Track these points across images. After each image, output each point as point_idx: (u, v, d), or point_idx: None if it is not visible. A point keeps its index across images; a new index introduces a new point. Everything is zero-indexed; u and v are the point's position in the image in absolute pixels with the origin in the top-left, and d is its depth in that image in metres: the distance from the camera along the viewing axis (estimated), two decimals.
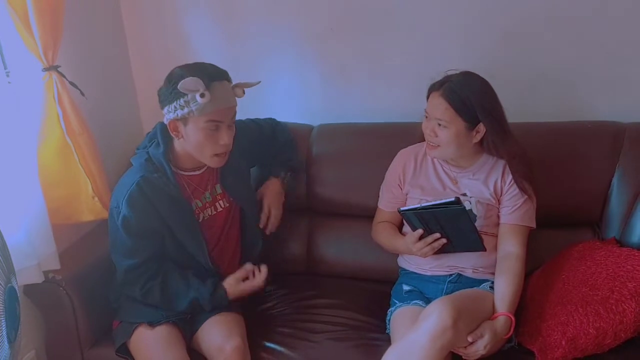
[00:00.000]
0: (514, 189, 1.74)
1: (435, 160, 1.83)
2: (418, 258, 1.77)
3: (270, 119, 2.09)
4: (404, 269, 1.90)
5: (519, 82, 2.06)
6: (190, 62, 1.69)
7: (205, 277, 1.75)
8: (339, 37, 2.20)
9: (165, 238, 1.71)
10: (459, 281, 1.77)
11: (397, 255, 1.94)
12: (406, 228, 1.83)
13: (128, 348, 1.74)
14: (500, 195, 1.77)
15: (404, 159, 1.89)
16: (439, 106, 1.67)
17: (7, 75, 1.76)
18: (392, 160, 1.92)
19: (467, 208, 1.70)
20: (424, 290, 1.80)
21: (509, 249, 1.72)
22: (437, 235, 1.66)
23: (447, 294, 1.71)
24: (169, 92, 1.61)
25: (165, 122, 1.67)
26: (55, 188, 1.84)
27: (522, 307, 1.70)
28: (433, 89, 1.71)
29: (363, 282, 2.05)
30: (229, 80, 1.67)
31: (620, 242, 1.82)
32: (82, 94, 1.90)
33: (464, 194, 1.77)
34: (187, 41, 2.31)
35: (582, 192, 1.92)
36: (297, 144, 2.10)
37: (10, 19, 1.67)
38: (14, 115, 1.72)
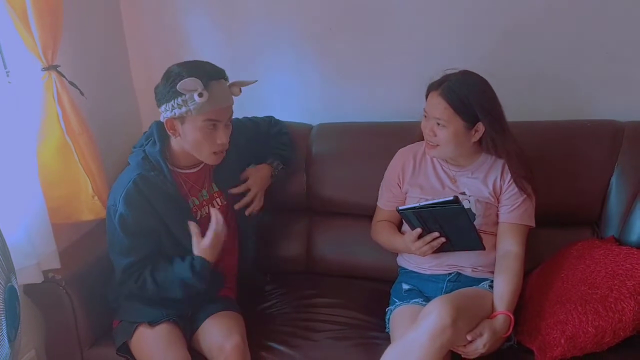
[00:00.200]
0: (513, 188, 1.75)
1: (434, 159, 1.84)
2: (417, 257, 1.78)
3: (268, 117, 2.10)
4: (403, 268, 1.91)
5: (518, 81, 2.07)
6: None
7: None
8: (339, 36, 2.20)
9: (162, 236, 1.71)
10: (458, 280, 1.77)
11: (397, 254, 1.94)
12: (405, 227, 1.84)
13: (129, 347, 1.74)
14: (500, 194, 1.77)
15: (403, 158, 1.89)
16: (438, 105, 1.67)
17: (7, 75, 1.76)
18: (391, 160, 1.92)
19: (466, 207, 1.70)
20: (424, 289, 1.80)
21: (508, 248, 1.72)
22: (436, 234, 1.67)
23: (446, 293, 1.71)
24: (167, 90, 1.61)
25: (162, 120, 1.67)
26: (55, 187, 1.84)
27: (521, 306, 1.70)
28: (432, 88, 1.71)
29: (362, 281, 2.06)
30: (226, 78, 1.68)
31: (619, 241, 1.83)
32: (82, 93, 1.90)
33: (463, 193, 1.78)
34: (187, 41, 2.31)
35: (581, 191, 1.92)
36: (296, 143, 2.10)
37: (10, 19, 1.67)
38: (14, 114, 1.72)
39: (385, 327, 1.79)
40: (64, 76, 1.81)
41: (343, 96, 2.28)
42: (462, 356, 1.58)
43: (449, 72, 1.71)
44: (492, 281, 1.71)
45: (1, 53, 1.78)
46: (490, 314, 1.61)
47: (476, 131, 1.69)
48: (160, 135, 1.73)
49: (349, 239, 2.11)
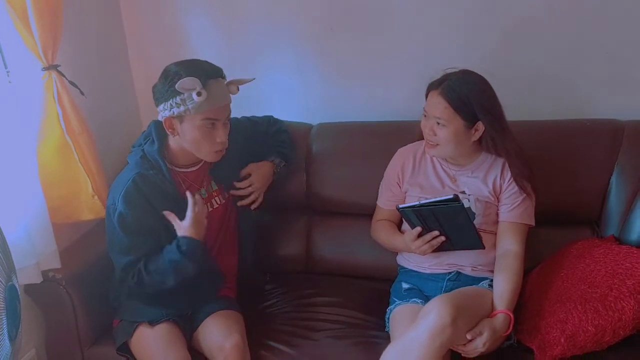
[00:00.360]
0: (513, 187, 1.75)
1: (434, 158, 1.84)
2: (417, 256, 1.78)
3: (267, 116, 2.10)
4: (403, 267, 1.91)
5: (518, 80, 2.07)
6: None
7: (205, 275, 1.76)
8: (339, 36, 2.20)
9: (161, 235, 1.70)
10: (458, 279, 1.77)
11: (396, 253, 1.94)
12: (405, 226, 1.84)
13: (129, 347, 1.74)
14: (499, 193, 1.77)
15: (402, 158, 1.89)
16: (438, 105, 1.68)
17: (8, 75, 1.76)
18: (390, 159, 1.92)
19: (466, 206, 1.70)
20: (423, 288, 1.81)
21: (508, 247, 1.72)
22: (436, 233, 1.67)
23: (446, 292, 1.71)
24: (165, 89, 1.61)
25: (161, 119, 1.67)
26: (55, 187, 1.84)
27: (521, 305, 1.70)
28: (432, 87, 1.72)
29: (362, 280, 2.06)
30: (224, 77, 1.68)
31: (619, 240, 1.83)
32: (82, 93, 1.91)
33: (463, 192, 1.78)
34: (187, 40, 2.31)
35: (581, 190, 1.93)
36: (295, 142, 2.10)
37: (10, 19, 1.67)
38: (14, 114, 1.72)
39: (385, 326, 1.79)
40: (64, 76, 1.81)
41: (343, 96, 2.28)
42: (462, 355, 1.58)
43: (448, 71, 1.71)
44: (491, 280, 1.71)
45: (1, 53, 1.78)
46: (490, 312, 1.61)
47: (476, 130, 1.69)
48: (158, 134, 1.73)
49: (348, 238, 2.11)
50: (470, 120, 1.67)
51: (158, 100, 1.65)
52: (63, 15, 1.77)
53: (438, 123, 1.69)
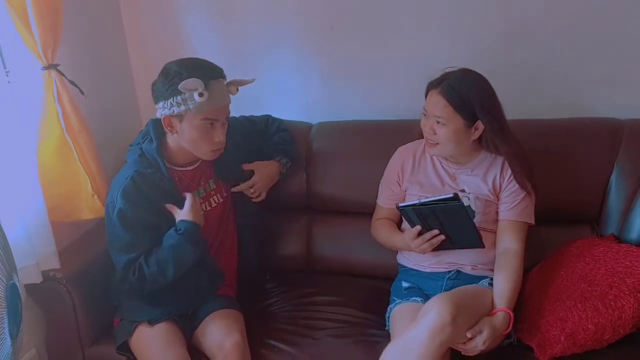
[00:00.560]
0: (513, 185, 1.75)
1: (433, 156, 1.84)
2: (417, 255, 1.78)
3: (265, 115, 2.10)
4: (403, 266, 1.91)
5: (518, 79, 2.07)
6: None
7: (204, 273, 1.76)
8: (339, 35, 2.20)
9: (161, 232, 1.70)
10: (458, 278, 1.78)
11: (396, 252, 1.94)
12: (405, 225, 1.84)
13: (129, 346, 1.74)
14: (499, 192, 1.77)
15: (402, 156, 1.89)
16: (438, 104, 1.68)
17: (7, 75, 1.76)
18: (390, 158, 1.92)
19: (466, 204, 1.70)
20: (423, 287, 1.81)
21: (508, 245, 1.72)
22: (436, 231, 1.67)
23: (446, 291, 1.71)
24: (165, 88, 1.61)
25: (159, 116, 1.67)
26: (55, 186, 1.84)
27: (521, 303, 1.70)
28: (431, 86, 1.72)
29: (362, 279, 2.06)
30: (224, 77, 1.68)
31: (618, 239, 1.83)
32: (82, 92, 1.91)
33: (463, 190, 1.78)
34: (187, 40, 2.32)
35: (580, 189, 1.93)
36: (296, 141, 2.10)
37: (10, 18, 1.67)
38: (14, 113, 1.72)
39: (385, 325, 1.79)
40: (64, 75, 1.82)
41: (343, 95, 2.28)
42: (462, 353, 1.58)
43: (448, 70, 1.71)
44: (491, 279, 1.71)
45: (1, 53, 1.78)
46: (490, 311, 1.61)
47: (476, 129, 1.69)
48: (156, 133, 1.73)
49: (349, 237, 2.11)
50: (470, 119, 1.67)
51: (157, 98, 1.65)
52: (63, 15, 1.78)
53: (438, 122, 1.69)
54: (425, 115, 1.74)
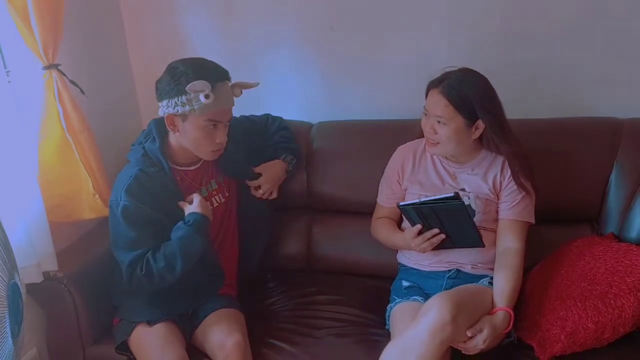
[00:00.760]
0: (513, 184, 1.75)
1: (434, 155, 1.84)
2: (417, 254, 1.78)
3: (265, 114, 2.11)
4: (403, 265, 1.91)
5: (518, 79, 2.07)
6: None
7: (204, 273, 1.76)
8: (339, 35, 2.21)
9: (166, 229, 1.69)
10: (458, 277, 1.78)
11: (397, 251, 1.95)
12: (405, 224, 1.84)
13: (129, 346, 1.75)
14: (500, 191, 1.78)
15: (402, 155, 1.89)
16: (439, 103, 1.68)
17: (7, 75, 1.76)
18: (391, 157, 1.93)
19: (466, 203, 1.70)
20: (423, 286, 1.81)
21: (508, 244, 1.73)
22: (436, 230, 1.67)
23: (446, 290, 1.71)
24: (171, 87, 1.61)
25: (162, 114, 1.67)
26: (56, 186, 1.84)
27: (521, 302, 1.70)
28: (432, 86, 1.72)
29: (363, 279, 2.06)
30: (229, 79, 1.68)
31: (618, 238, 1.83)
32: (82, 92, 1.91)
33: (463, 189, 1.78)
34: (187, 39, 2.32)
35: (580, 188, 1.93)
36: (296, 139, 2.10)
37: (11, 18, 1.68)
38: (15, 113, 1.72)
39: (386, 324, 1.79)
40: (64, 75, 1.82)
41: (343, 94, 2.28)
42: (462, 352, 1.58)
43: (448, 70, 1.71)
44: (491, 278, 1.71)
45: (1, 53, 1.78)
46: (490, 310, 1.61)
47: (476, 128, 1.70)
48: (159, 132, 1.73)
49: (349, 237, 2.11)
50: (471, 118, 1.68)
51: (161, 96, 1.65)
52: (64, 15, 1.78)
53: (439, 121, 1.69)
54: (425, 114, 1.74)
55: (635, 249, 1.66)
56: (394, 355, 1.53)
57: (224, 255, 1.88)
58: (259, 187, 1.92)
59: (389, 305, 1.81)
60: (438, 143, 1.73)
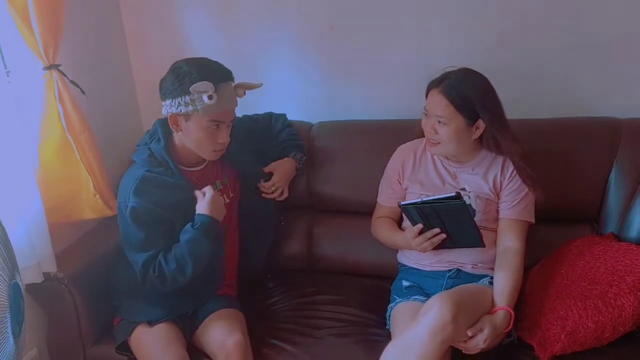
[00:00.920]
0: (514, 184, 1.75)
1: (434, 155, 1.84)
2: (417, 253, 1.79)
3: (267, 113, 2.11)
4: (403, 265, 1.91)
5: (517, 79, 2.07)
6: None
7: (204, 273, 1.76)
8: (339, 35, 2.21)
9: (176, 228, 1.69)
10: (458, 276, 1.78)
11: (397, 251, 1.95)
12: (406, 223, 1.84)
13: (129, 346, 1.75)
14: (500, 190, 1.78)
15: (403, 155, 1.90)
16: (439, 103, 1.68)
17: (8, 75, 1.76)
18: (391, 157, 1.93)
19: (467, 203, 1.71)
20: (424, 286, 1.81)
21: (508, 244, 1.73)
22: (437, 230, 1.67)
23: (446, 289, 1.71)
24: (175, 87, 1.61)
25: (165, 114, 1.67)
26: (56, 186, 1.84)
27: (522, 302, 1.71)
28: (432, 86, 1.72)
29: (363, 278, 2.06)
30: (233, 80, 1.68)
31: (618, 237, 1.84)
32: (83, 92, 1.91)
33: (463, 189, 1.78)
34: (187, 39, 2.32)
35: (580, 188, 1.93)
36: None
37: (11, 18, 1.67)
38: (15, 113, 1.72)
39: (386, 324, 1.79)
40: (65, 75, 1.82)
41: (343, 94, 2.28)
42: (463, 352, 1.58)
43: (449, 70, 1.72)
44: (492, 277, 1.71)
45: (1, 53, 1.78)
46: (491, 309, 1.61)
47: (477, 128, 1.70)
48: (164, 132, 1.73)
49: (349, 236, 2.12)
50: (471, 118, 1.68)
51: (165, 95, 1.65)
52: (64, 15, 1.78)
53: (439, 121, 1.70)
54: (426, 114, 1.75)
55: (635, 249, 1.67)
56: (394, 355, 1.53)
57: (224, 256, 1.88)
58: (271, 187, 1.92)
59: (389, 305, 1.81)
60: (439, 143, 1.74)
